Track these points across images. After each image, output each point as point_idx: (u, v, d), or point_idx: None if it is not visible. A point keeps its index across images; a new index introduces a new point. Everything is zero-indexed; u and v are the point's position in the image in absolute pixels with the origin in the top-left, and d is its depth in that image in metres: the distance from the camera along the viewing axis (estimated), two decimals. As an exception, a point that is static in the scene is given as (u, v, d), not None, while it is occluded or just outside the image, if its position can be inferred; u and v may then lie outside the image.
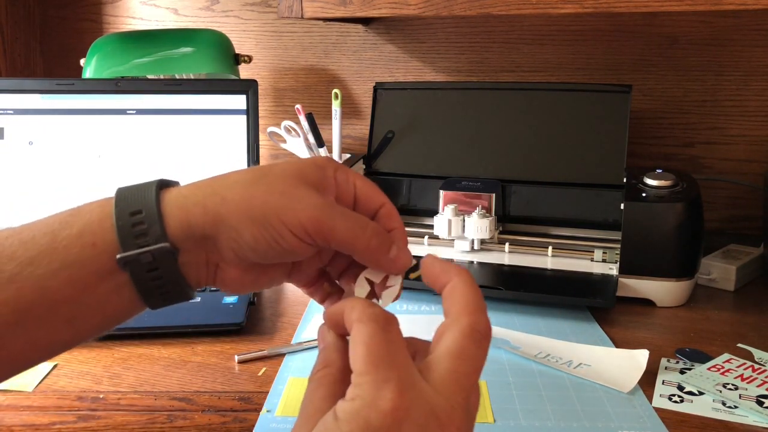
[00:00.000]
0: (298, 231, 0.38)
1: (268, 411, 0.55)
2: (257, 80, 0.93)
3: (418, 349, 0.38)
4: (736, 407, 0.56)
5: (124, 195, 0.39)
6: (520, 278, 0.82)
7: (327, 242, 0.39)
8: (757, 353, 0.66)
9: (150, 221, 0.37)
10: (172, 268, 0.38)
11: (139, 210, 0.38)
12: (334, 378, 0.35)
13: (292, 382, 0.60)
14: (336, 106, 0.98)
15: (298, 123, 0.97)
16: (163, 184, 0.40)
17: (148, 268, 0.37)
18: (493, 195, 0.89)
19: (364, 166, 1.00)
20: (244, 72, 1.17)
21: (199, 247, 0.39)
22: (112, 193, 0.40)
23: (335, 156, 0.99)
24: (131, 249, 0.37)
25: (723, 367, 0.63)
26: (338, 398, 0.32)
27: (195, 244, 0.38)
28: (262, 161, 1.15)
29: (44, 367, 0.63)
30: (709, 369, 0.62)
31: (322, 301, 0.46)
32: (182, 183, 0.41)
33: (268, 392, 0.58)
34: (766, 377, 0.61)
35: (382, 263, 0.40)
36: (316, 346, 0.66)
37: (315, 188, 0.40)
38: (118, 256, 0.37)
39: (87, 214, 0.39)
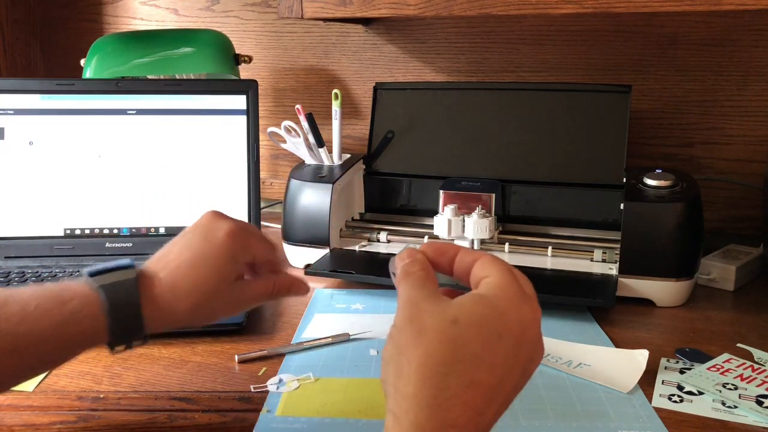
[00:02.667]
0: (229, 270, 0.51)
1: (268, 411, 0.55)
2: (257, 80, 0.94)
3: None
4: (735, 407, 0.56)
5: (116, 312, 0.46)
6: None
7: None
8: (757, 353, 0.66)
9: (136, 333, 0.48)
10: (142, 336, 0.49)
11: (128, 327, 0.47)
12: (428, 275, 0.41)
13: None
14: (336, 106, 0.98)
15: (298, 123, 0.97)
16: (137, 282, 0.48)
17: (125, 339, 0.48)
18: (493, 195, 0.89)
19: (364, 166, 1.00)
20: (244, 72, 1.17)
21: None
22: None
23: (335, 156, 0.99)
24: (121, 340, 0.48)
25: (723, 367, 0.63)
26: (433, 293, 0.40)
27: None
28: (262, 161, 1.15)
29: (44, 367, 0.63)
30: (708, 369, 0.62)
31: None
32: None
33: (268, 392, 0.58)
34: (765, 377, 0.61)
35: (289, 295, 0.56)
36: (316, 346, 0.67)
37: (236, 278, 0.52)
38: (114, 350, 0.48)
39: (84, 320, 0.46)
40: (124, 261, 0.49)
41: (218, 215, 0.53)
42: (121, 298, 0.47)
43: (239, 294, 0.52)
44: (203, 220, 0.53)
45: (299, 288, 0.56)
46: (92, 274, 0.48)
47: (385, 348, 0.39)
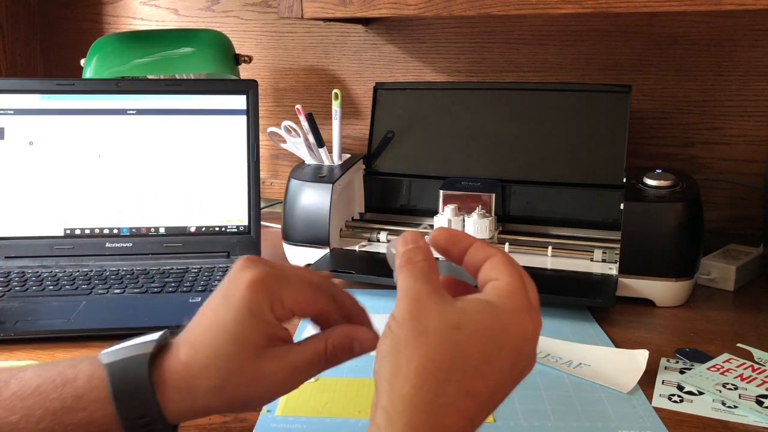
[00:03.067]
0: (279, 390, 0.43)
1: (268, 411, 0.55)
2: (257, 80, 0.94)
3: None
4: (735, 407, 0.56)
5: (123, 395, 0.40)
6: (520, 278, 0.81)
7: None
8: (757, 353, 0.66)
9: (155, 424, 0.40)
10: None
11: (143, 415, 0.40)
12: (431, 267, 0.39)
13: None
14: (336, 106, 0.98)
15: (298, 123, 0.97)
16: (153, 360, 0.41)
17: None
18: (493, 195, 0.89)
19: (364, 166, 1.00)
20: (244, 72, 1.17)
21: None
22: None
23: (335, 156, 0.99)
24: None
25: (723, 367, 0.63)
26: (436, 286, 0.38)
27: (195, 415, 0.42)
28: (262, 161, 1.15)
29: (45, 367, 0.63)
30: (708, 369, 0.62)
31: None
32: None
33: (268, 392, 0.58)
34: (765, 377, 0.61)
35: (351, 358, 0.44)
36: (316, 346, 0.66)
37: (268, 345, 0.41)
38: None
39: (90, 404, 0.40)
40: (154, 335, 0.42)
41: (247, 262, 0.42)
42: (130, 379, 0.40)
43: (275, 365, 0.40)
44: (231, 270, 0.43)
45: (364, 342, 0.43)
46: (110, 351, 0.41)
47: (381, 340, 0.37)
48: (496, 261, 0.40)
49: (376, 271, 0.82)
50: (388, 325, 0.37)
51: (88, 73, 1.05)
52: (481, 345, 0.36)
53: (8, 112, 0.89)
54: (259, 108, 0.93)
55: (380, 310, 0.76)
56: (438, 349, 0.35)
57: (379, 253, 0.90)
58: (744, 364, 0.64)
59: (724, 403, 0.57)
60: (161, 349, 0.41)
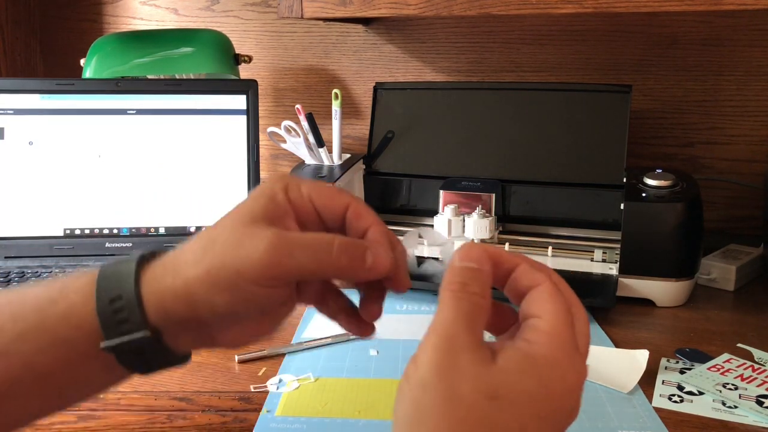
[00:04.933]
0: (264, 281, 0.36)
1: (268, 411, 0.55)
2: (257, 80, 0.93)
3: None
4: (735, 407, 0.56)
5: (106, 276, 0.38)
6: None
7: (297, 277, 0.37)
8: (757, 353, 0.66)
9: (129, 309, 0.37)
10: (158, 349, 0.38)
11: (119, 296, 0.37)
12: (482, 308, 0.33)
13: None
14: (336, 106, 0.98)
15: (298, 123, 0.97)
16: (144, 259, 0.39)
17: (134, 352, 0.37)
18: (493, 195, 0.89)
19: (364, 166, 1.00)
20: (244, 72, 1.17)
21: (182, 328, 0.38)
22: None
23: (335, 156, 0.99)
24: (114, 336, 0.37)
25: (723, 367, 0.63)
26: (479, 331, 0.33)
27: (177, 326, 0.38)
28: (262, 161, 1.15)
29: (44, 367, 0.63)
30: (709, 369, 0.62)
31: (334, 318, 0.43)
32: (169, 248, 0.40)
33: (268, 392, 0.58)
34: (765, 377, 0.61)
35: (360, 276, 0.38)
36: (315, 346, 0.67)
37: (267, 223, 0.37)
38: (101, 345, 0.37)
39: (72, 294, 0.38)
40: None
41: (267, 202, 0.38)
42: (116, 264, 0.38)
43: (268, 233, 0.36)
44: (248, 198, 0.39)
45: (378, 259, 0.38)
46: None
47: (400, 400, 0.32)
48: (541, 292, 0.34)
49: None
50: (409, 378, 0.32)
51: (88, 73, 1.05)
52: (519, 416, 0.31)
53: (8, 112, 0.89)
54: (259, 108, 0.93)
55: (380, 310, 0.76)
56: (470, 424, 0.30)
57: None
58: (744, 364, 0.63)
59: (724, 403, 0.57)
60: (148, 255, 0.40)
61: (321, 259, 0.37)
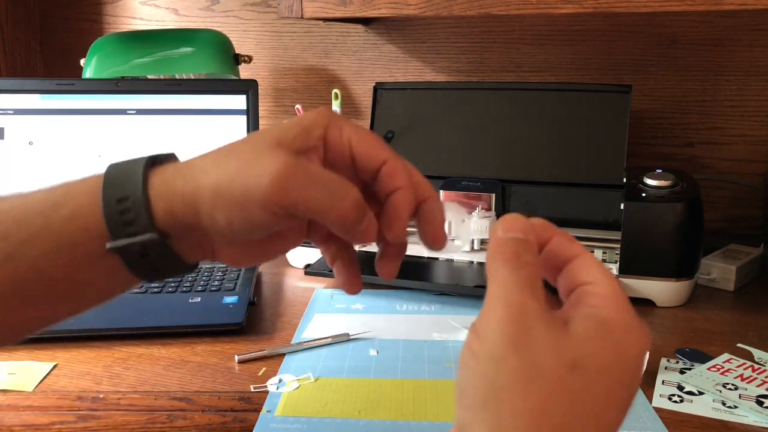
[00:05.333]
0: (267, 206, 0.35)
1: (268, 411, 0.55)
2: (257, 80, 0.93)
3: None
4: (735, 407, 0.56)
5: (113, 176, 0.37)
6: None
7: (301, 213, 0.35)
8: (757, 353, 0.66)
9: (136, 210, 0.36)
10: (164, 253, 0.37)
11: (126, 196, 0.36)
12: (540, 278, 0.32)
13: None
14: (336, 106, 0.98)
15: (298, 123, 0.97)
16: (154, 162, 0.38)
17: (139, 254, 0.36)
18: (493, 195, 0.89)
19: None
20: (244, 72, 1.17)
21: (187, 233, 0.37)
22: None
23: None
24: (120, 237, 0.36)
25: (723, 367, 0.63)
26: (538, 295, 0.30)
27: (183, 231, 0.37)
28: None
29: (44, 367, 0.63)
30: (709, 369, 0.62)
31: (331, 264, 0.43)
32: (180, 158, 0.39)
33: (268, 392, 0.58)
34: (765, 377, 0.61)
35: (351, 236, 0.37)
36: (316, 346, 0.67)
37: (291, 152, 0.36)
38: (107, 245, 0.36)
39: (78, 196, 0.37)
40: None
41: (290, 131, 0.37)
42: (124, 165, 0.37)
43: (283, 154, 0.35)
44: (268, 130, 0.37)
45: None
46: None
47: (467, 378, 0.29)
48: (586, 260, 0.33)
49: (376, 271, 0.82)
50: (476, 353, 0.29)
51: (87, 73, 1.05)
52: (603, 385, 0.28)
53: (8, 112, 0.89)
54: (259, 108, 0.93)
55: (380, 310, 0.76)
56: (555, 399, 0.27)
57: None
58: (744, 364, 0.63)
59: (724, 403, 0.57)
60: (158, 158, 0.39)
61: (332, 203, 0.35)
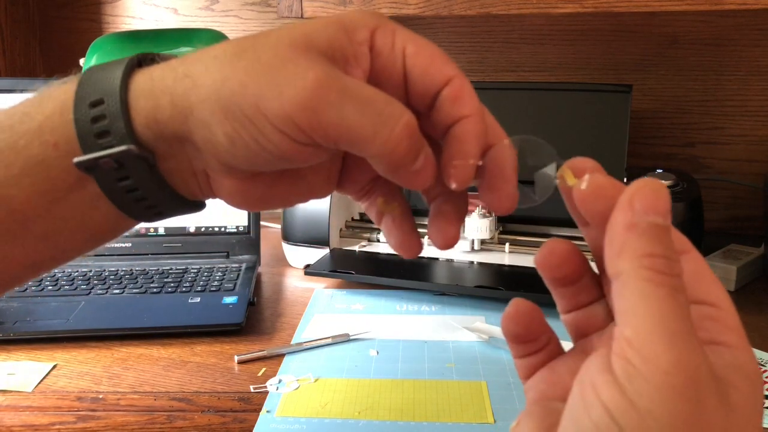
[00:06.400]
0: (286, 126, 0.26)
1: (267, 411, 0.55)
2: (257, 80, 0.93)
3: None
4: (736, 408, 0.56)
5: (89, 78, 0.30)
6: (520, 278, 0.81)
7: (332, 142, 0.27)
8: (757, 353, 0.66)
9: (112, 115, 0.28)
10: (147, 176, 0.30)
11: (101, 99, 0.29)
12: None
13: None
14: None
15: (297, 123, 0.97)
16: (142, 61, 0.31)
17: (116, 176, 0.29)
18: (494, 195, 0.89)
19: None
20: (244, 72, 1.17)
21: (176, 149, 0.30)
22: None
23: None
24: (93, 151, 0.29)
25: (723, 368, 0.62)
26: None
27: (170, 145, 0.29)
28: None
29: (44, 367, 0.63)
30: (709, 369, 0.62)
31: (378, 221, 0.34)
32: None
33: (267, 393, 0.58)
34: (766, 377, 0.61)
35: (400, 178, 0.28)
36: (315, 347, 0.66)
37: (327, 60, 0.27)
38: (75, 160, 0.29)
39: (50, 102, 0.30)
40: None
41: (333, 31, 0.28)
42: (98, 75, 0.30)
43: (315, 62, 0.27)
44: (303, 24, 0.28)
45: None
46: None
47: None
48: (700, 266, 0.27)
49: (376, 271, 0.82)
50: (619, 420, 0.20)
51: (87, 73, 1.05)
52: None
53: (7, 111, 0.89)
54: (259, 108, 0.93)
55: (380, 311, 0.76)
56: None
57: (379, 253, 0.90)
58: (745, 364, 0.63)
59: (725, 404, 0.56)
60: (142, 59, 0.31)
61: (376, 129, 0.26)
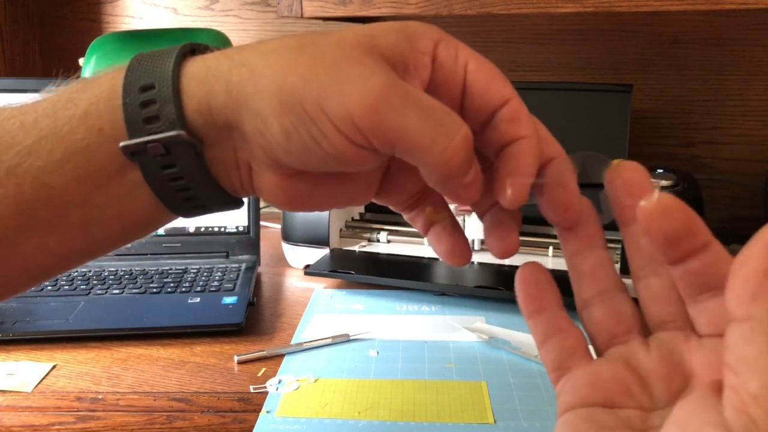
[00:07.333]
0: (346, 126, 0.26)
1: (267, 412, 0.55)
2: (257, 80, 0.93)
3: None
4: (737, 408, 0.56)
5: (140, 62, 0.30)
6: (521, 278, 0.81)
7: (389, 147, 0.27)
8: (759, 354, 0.66)
9: (163, 100, 0.28)
10: (194, 164, 0.29)
11: (151, 84, 0.28)
12: None
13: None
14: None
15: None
16: (191, 50, 0.30)
17: (162, 163, 0.29)
18: (494, 195, 0.89)
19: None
20: (244, 71, 1.17)
21: (224, 138, 0.29)
22: None
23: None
24: (140, 135, 0.28)
25: (724, 368, 0.62)
26: None
27: (219, 134, 0.29)
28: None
29: (44, 367, 0.63)
30: (710, 370, 0.62)
31: (425, 231, 0.34)
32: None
33: (267, 393, 0.58)
34: None
35: (450, 190, 0.28)
36: (315, 347, 0.66)
37: (389, 65, 0.27)
38: (121, 144, 0.28)
39: (96, 87, 0.30)
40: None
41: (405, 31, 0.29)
42: (149, 61, 0.29)
43: (377, 66, 0.27)
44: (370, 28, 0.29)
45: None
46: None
47: None
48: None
49: (376, 271, 0.82)
50: None
51: (86, 73, 1.05)
52: None
53: (7, 111, 0.89)
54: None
55: (380, 311, 0.76)
56: None
57: (379, 253, 0.89)
58: (746, 364, 0.63)
59: (726, 404, 0.56)
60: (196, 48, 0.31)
61: (435, 138, 0.26)
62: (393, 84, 0.26)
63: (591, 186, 0.30)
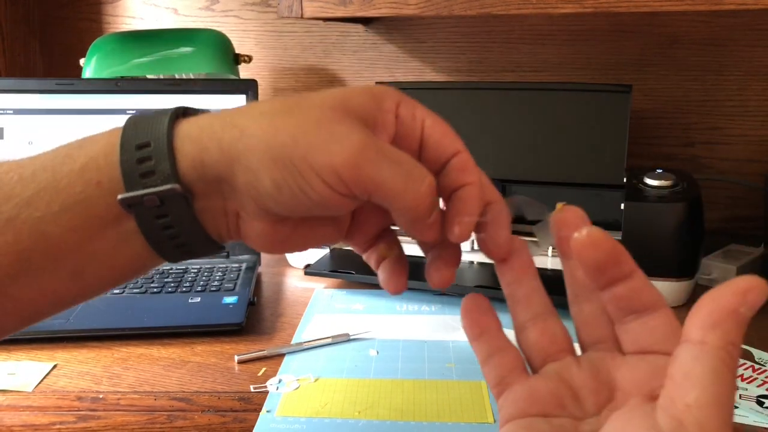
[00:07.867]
0: (330, 178, 0.30)
1: (267, 411, 0.55)
2: (257, 80, 0.93)
3: None
4: (736, 407, 0.56)
5: (135, 123, 0.33)
6: (520, 278, 0.81)
7: (367, 194, 0.31)
8: (757, 353, 0.66)
9: (158, 157, 0.31)
10: (185, 214, 0.32)
11: (147, 142, 0.32)
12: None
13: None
14: (336, 106, 0.98)
15: (298, 123, 0.97)
16: (182, 113, 0.34)
17: (156, 213, 0.32)
18: (493, 195, 0.89)
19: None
20: (244, 72, 1.17)
21: (214, 191, 0.33)
22: None
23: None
24: (136, 189, 0.31)
25: (723, 368, 0.62)
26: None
27: (209, 187, 0.32)
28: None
29: (44, 367, 0.63)
30: (709, 369, 0.62)
31: (376, 266, 0.38)
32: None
33: (268, 392, 0.58)
34: (766, 377, 0.61)
35: (417, 230, 0.33)
36: (316, 347, 0.67)
37: (362, 124, 0.32)
38: (119, 196, 0.31)
39: (93, 145, 0.33)
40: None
41: (369, 99, 0.33)
42: (145, 121, 0.33)
43: (352, 126, 0.32)
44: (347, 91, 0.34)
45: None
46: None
47: None
48: (666, 316, 0.29)
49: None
50: None
51: (87, 73, 1.05)
52: None
53: (8, 111, 0.89)
54: (259, 108, 0.93)
55: (380, 311, 0.76)
56: None
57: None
58: (744, 364, 0.63)
59: (724, 404, 0.56)
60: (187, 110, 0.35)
61: (407, 186, 0.31)
62: (369, 141, 0.31)
63: (527, 222, 0.38)
